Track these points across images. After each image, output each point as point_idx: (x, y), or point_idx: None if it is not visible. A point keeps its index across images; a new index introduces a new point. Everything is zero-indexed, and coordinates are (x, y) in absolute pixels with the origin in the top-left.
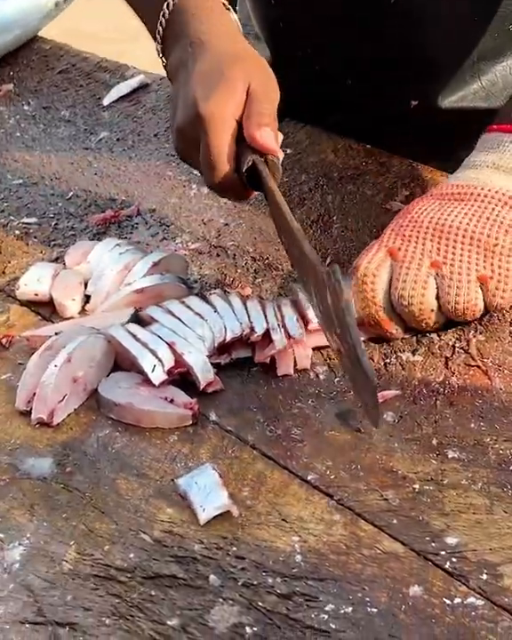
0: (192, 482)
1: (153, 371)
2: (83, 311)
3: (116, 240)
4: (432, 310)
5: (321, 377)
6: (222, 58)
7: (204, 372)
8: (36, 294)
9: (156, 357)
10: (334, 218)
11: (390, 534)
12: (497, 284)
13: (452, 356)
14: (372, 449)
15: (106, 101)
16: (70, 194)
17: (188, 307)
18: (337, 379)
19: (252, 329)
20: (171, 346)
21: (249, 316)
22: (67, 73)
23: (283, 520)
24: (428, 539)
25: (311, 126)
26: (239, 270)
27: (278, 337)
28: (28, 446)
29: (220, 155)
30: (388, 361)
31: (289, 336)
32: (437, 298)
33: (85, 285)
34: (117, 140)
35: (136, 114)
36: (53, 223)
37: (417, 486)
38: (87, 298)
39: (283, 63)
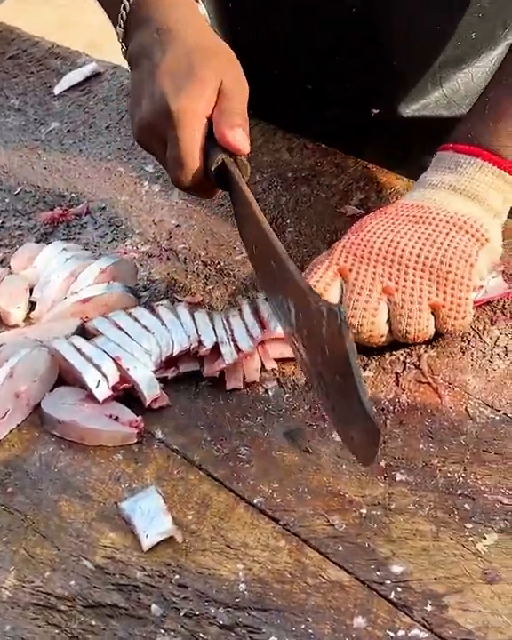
0: (136, 506)
1: (97, 387)
2: (27, 319)
3: (64, 244)
4: (382, 335)
5: (270, 393)
6: (192, 51)
7: (149, 389)
8: None
9: (101, 373)
10: (288, 221)
11: (335, 562)
12: (448, 311)
13: (402, 371)
14: (320, 471)
15: (57, 90)
16: (18, 189)
17: (135, 319)
18: (286, 395)
19: (201, 342)
20: (116, 361)
21: (197, 329)
22: (17, 59)
23: (227, 546)
24: (373, 567)
25: (266, 123)
26: (189, 276)
27: (227, 350)
28: None
29: (189, 153)
30: None
31: (238, 349)
32: (388, 321)
33: (31, 291)
34: (68, 131)
35: (87, 104)
36: (0, 221)
37: (364, 511)
38: (32, 305)
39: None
